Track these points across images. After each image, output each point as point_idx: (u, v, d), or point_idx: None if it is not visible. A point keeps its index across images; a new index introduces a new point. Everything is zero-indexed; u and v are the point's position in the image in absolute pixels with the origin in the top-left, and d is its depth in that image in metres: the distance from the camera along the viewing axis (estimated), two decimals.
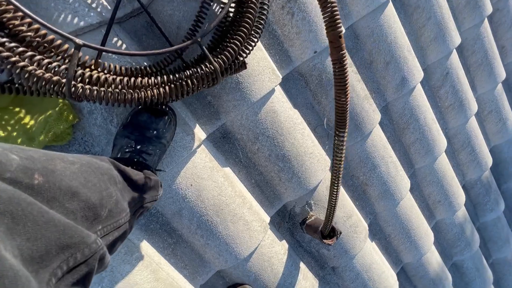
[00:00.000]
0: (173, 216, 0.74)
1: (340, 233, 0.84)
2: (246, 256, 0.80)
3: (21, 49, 0.38)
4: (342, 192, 1.02)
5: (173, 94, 0.52)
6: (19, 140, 0.54)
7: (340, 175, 0.71)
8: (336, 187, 0.72)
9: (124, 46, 0.59)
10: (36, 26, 0.39)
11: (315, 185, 0.89)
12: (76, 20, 0.52)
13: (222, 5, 0.64)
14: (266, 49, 0.80)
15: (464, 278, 1.58)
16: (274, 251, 0.88)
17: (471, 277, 1.56)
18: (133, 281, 0.68)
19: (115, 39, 0.59)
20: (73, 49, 0.40)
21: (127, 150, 0.55)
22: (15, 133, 0.54)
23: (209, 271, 0.82)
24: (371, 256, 1.10)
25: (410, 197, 1.21)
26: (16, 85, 0.48)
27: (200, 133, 0.72)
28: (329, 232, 0.84)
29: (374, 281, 1.11)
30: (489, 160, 1.46)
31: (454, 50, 1.20)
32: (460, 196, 1.35)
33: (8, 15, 0.38)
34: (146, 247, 0.73)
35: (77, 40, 0.39)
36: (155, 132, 0.56)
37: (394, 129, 1.17)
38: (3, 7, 0.37)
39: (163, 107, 0.58)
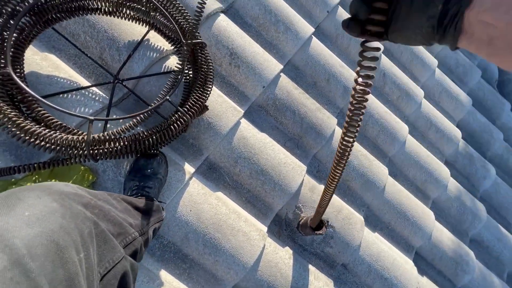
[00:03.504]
0: (182, 242, 0.88)
1: (328, 221, 0.95)
2: (252, 264, 0.90)
3: (58, 134, 0.61)
4: None
5: (159, 140, 0.73)
6: None
7: (337, 178, 0.76)
8: (333, 186, 0.78)
9: (121, 120, 0.83)
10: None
11: (296, 188, 1.04)
12: (87, 109, 0.77)
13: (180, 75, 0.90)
14: (226, 95, 1.05)
15: (492, 253, 1.55)
16: (279, 256, 0.98)
17: (496, 249, 1.54)
18: None
19: (114, 116, 0.83)
20: (88, 124, 0.63)
21: (134, 188, 0.74)
22: None
23: None
24: (377, 246, 1.17)
25: (394, 183, 1.33)
26: (53, 161, 0.70)
27: (189, 168, 0.92)
28: (318, 224, 0.95)
29: (388, 270, 1.15)
30: (457, 133, 1.60)
31: (383, 55, 1.47)
32: (443, 171, 1.46)
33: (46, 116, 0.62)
34: (165, 275, 0.85)
35: (89, 116, 0.62)
36: (151, 170, 0.75)
37: None
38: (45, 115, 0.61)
39: (155, 151, 0.79)
